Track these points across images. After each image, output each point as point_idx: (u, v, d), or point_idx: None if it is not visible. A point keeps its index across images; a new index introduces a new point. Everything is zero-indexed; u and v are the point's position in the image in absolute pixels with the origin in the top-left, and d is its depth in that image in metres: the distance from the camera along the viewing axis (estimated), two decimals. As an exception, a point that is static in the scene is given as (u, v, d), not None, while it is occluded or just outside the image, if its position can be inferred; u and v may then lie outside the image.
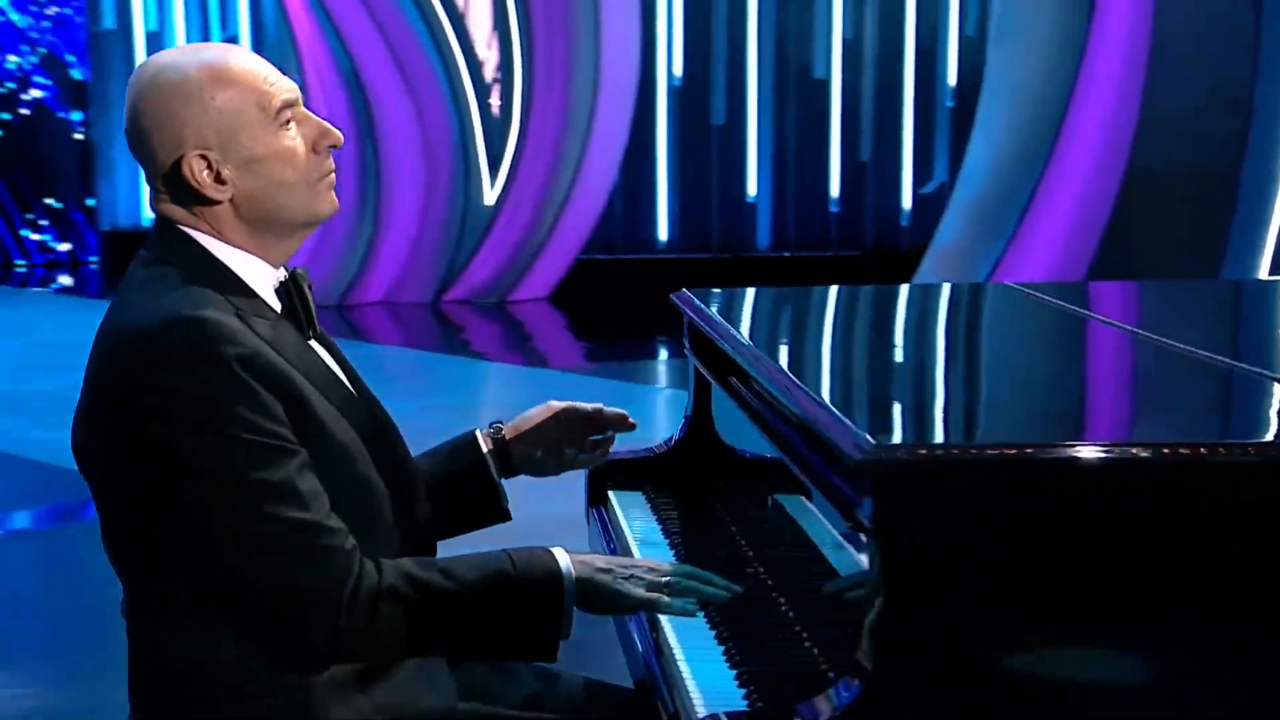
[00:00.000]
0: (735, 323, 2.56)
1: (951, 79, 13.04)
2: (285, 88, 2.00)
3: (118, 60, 13.65)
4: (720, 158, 13.05)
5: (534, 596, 1.95)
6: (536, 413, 2.42)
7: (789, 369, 2.16)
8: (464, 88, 11.26)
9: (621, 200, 12.59)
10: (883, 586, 1.68)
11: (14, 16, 13.92)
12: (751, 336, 2.42)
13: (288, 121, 1.99)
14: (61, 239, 14.12)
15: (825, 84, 13.09)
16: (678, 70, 12.89)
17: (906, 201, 13.19)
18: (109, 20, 13.71)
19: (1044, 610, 1.68)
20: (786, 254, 13.09)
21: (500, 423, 2.41)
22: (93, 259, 14.06)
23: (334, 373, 2.05)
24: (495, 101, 11.39)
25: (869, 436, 1.72)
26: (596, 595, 1.99)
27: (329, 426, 1.96)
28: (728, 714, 1.76)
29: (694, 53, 12.90)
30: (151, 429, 1.85)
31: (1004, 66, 11.07)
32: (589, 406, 2.41)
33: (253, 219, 1.99)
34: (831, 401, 1.96)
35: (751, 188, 13.09)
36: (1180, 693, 1.70)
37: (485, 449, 2.36)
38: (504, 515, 2.38)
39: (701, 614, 2.10)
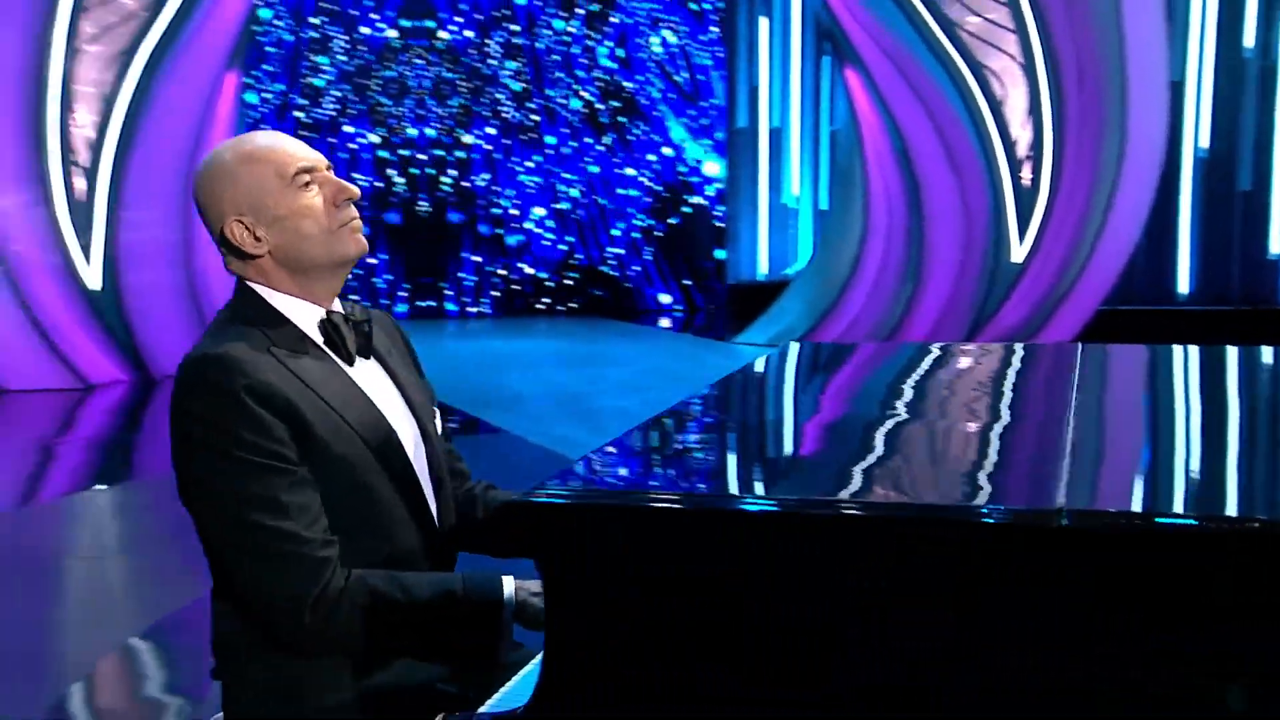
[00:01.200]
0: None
1: None
2: (302, 156, 1.99)
3: (746, 151, 14.18)
4: (1244, 219, 11.66)
5: (475, 614, 1.91)
6: None
7: (674, 413, 1.92)
8: (998, 163, 10.73)
9: (1144, 255, 11.53)
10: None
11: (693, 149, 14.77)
12: (715, 387, 2.15)
13: (307, 183, 1.98)
14: (700, 290, 14.80)
15: (1356, 149, 11.40)
16: (1204, 142, 11.66)
17: None
18: (742, 119, 14.29)
19: (673, 656, 1.40)
20: (1309, 307, 11.51)
21: None
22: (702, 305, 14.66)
23: (361, 394, 2.00)
24: (1026, 174, 10.77)
25: (551, 479, 1.51)
26: (532, 615, 1.93)
27: (330, 442, 1.91)
28: (461, 714, 1.61)
29: (1221, 128, 11.62)
30: (178, 448, 1.89)
31: None
32: None
33: (290, 266, 1.99)
34: (633, 445, 1.72)
35: (1275, 246, 11.59)
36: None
37: None
38: None
39: None
